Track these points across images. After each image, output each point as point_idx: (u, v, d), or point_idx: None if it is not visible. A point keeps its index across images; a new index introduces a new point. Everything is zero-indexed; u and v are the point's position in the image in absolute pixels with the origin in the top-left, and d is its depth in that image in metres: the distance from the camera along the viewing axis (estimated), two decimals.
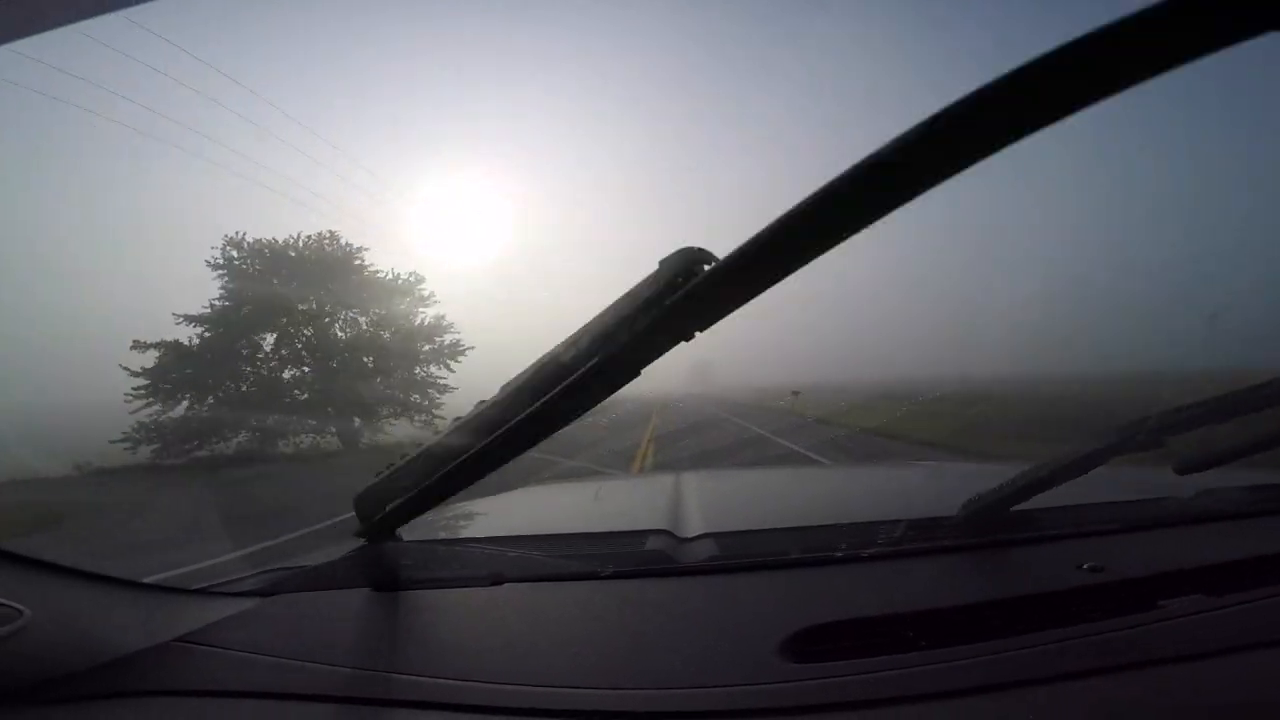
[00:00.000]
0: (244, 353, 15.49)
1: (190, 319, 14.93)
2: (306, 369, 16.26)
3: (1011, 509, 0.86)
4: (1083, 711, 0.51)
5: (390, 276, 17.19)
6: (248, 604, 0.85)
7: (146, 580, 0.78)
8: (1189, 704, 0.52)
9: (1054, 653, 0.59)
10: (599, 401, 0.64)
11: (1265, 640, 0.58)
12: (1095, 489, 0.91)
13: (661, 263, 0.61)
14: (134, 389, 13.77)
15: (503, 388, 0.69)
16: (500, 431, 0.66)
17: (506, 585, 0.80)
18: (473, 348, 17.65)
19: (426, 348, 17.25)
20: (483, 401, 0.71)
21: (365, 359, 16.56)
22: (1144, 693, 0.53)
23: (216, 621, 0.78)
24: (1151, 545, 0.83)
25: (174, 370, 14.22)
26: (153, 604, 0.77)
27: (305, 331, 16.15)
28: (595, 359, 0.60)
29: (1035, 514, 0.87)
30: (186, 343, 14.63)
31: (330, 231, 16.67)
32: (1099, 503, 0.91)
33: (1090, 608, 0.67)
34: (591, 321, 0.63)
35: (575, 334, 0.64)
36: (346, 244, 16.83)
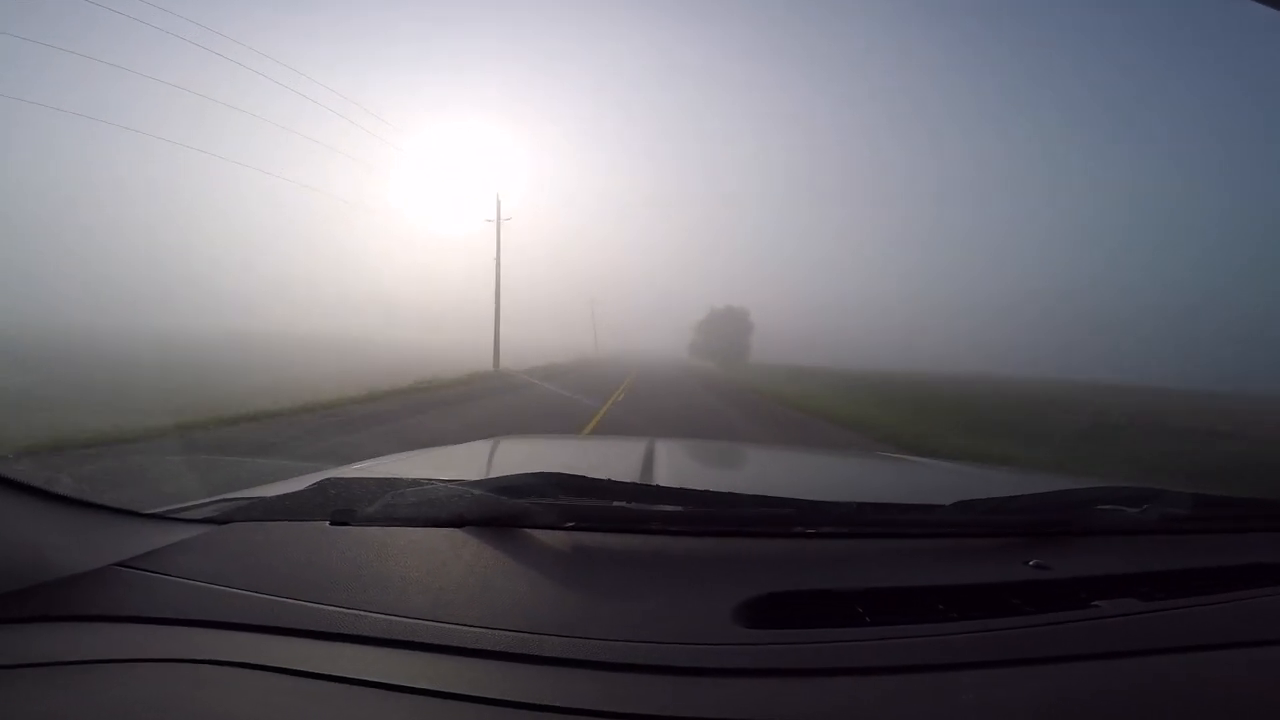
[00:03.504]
0: None
1: None
2: None
3: (972, 503, 0.88)
4: (1009, 698, 0.54)
5: None
6: (199, 531, 0.83)
7: (90, 500, 0.75)
8: (1108, 699, 0.54)
9: (990, 640, 0.61)
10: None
11: (1185, 645, 0.62)
12: (1050, 491, 0.94)
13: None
14: None
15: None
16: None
17: (468, 528, 0.80)
18: None
19: None
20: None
21: None
22: (1068, 685, 0.55)
23: (163, 547, 0.76)
24: (1097, 549, 0.87)
25: None
26: (94, 525, 0.74)
27: None
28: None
29: (995, 510, 0.89)
30: None
31: None
32: (1056, 505, 0.94)
33: (1031, 602, 0.69)
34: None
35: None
36: None
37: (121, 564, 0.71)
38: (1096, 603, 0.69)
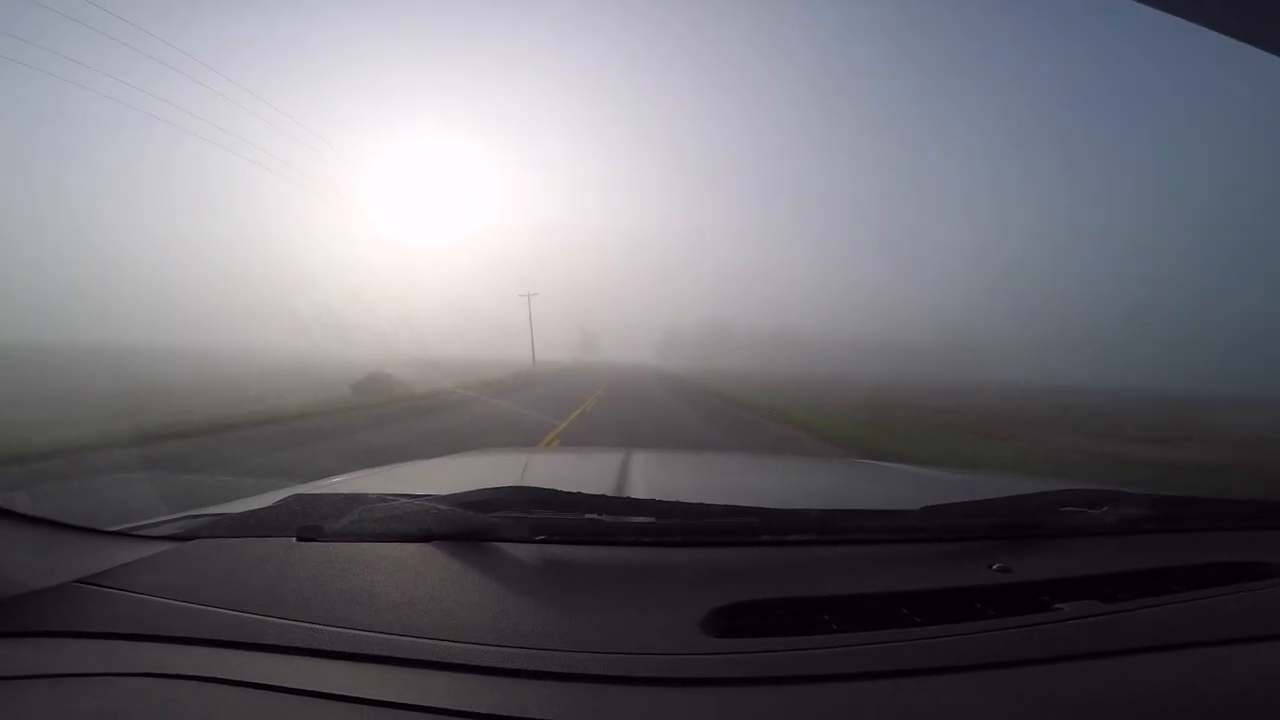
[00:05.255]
0: None
1: None
2: None
3: (938, 508, 0.90)
4: (969, 703, 0.55)
5: None
6: (162, 548, 0.82)
7: (50, 518, 0.74)
8: (1070, 702, 0.55)
9: (952, 645, 0.62)
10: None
11: (1145, 646, 0.63)
12: (1013, 495, 0.96)
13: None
14: None
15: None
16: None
17: (436, 542, 0.79)
18: None
19: None
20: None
21: None
22: (1029, 688, 0.57)
23: (125, 564, 0.76)
24: (1059, 552, 0.89)
25: None
26: (55, 543, 0.73)
27: None
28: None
29: (960, 515, 0.91)
30: None
31: None
32: (1019, 508, 0.96)
33: (994, 606, 0.70)
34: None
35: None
36: None
37: (83, 581, 0.70)
38: (1058, 605, 0.71)
